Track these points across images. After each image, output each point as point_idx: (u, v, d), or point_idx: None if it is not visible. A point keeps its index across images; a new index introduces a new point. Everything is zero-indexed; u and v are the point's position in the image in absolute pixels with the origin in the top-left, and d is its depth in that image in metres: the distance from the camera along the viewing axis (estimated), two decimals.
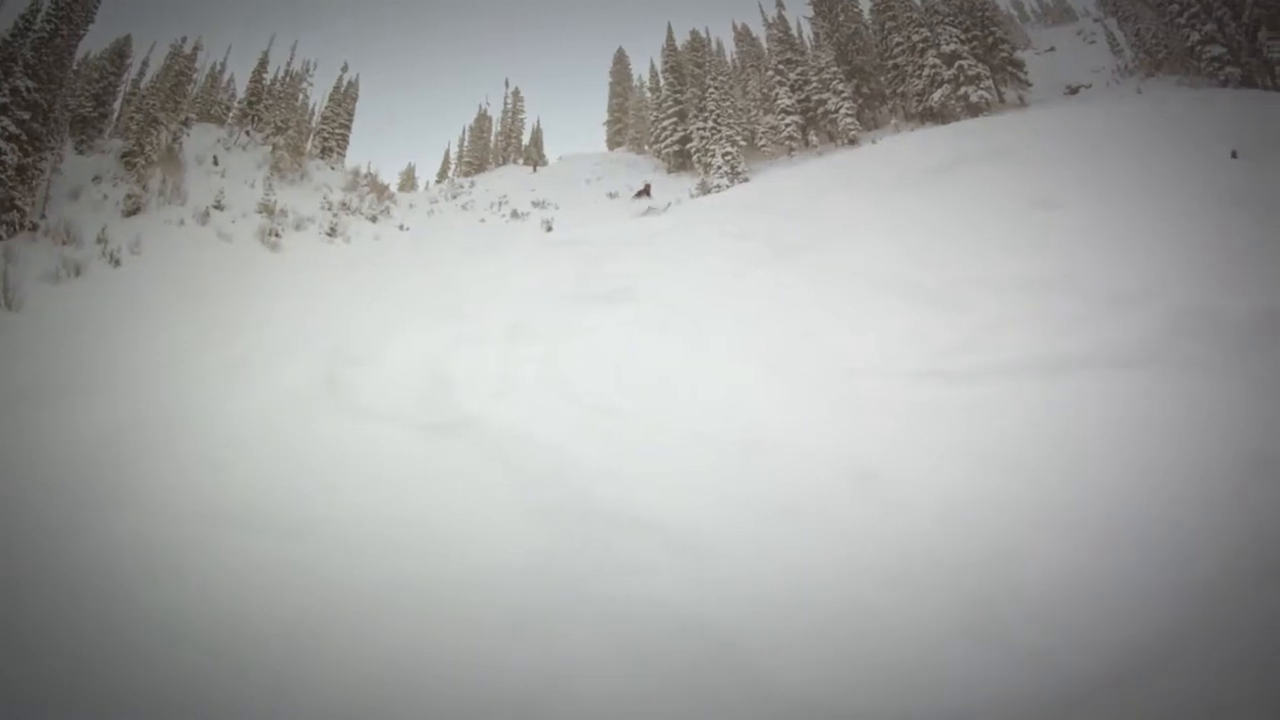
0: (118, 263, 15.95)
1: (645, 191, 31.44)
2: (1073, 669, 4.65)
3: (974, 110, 31.71)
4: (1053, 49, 47.05)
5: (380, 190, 30.29)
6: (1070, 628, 4.97)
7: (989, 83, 33.00)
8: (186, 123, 27.13)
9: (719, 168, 33.33)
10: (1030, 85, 33.98)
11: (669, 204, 25.19)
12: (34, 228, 16.96)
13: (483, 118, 50.62)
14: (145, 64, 32.82)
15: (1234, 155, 13.96)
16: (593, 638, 5.55)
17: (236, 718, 4.91)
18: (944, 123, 30.74)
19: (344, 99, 38.35)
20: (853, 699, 4.78)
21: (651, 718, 4.88)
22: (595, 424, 9.19)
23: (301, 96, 36.65)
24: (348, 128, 37.99)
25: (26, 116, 18.38)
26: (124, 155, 22.45)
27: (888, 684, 4.85)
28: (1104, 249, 10.83)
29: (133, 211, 19.35)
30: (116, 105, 28.86)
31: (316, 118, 37.15)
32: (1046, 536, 5.84)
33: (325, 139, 36.19)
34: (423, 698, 5.07)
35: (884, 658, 5.07)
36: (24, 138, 18.07)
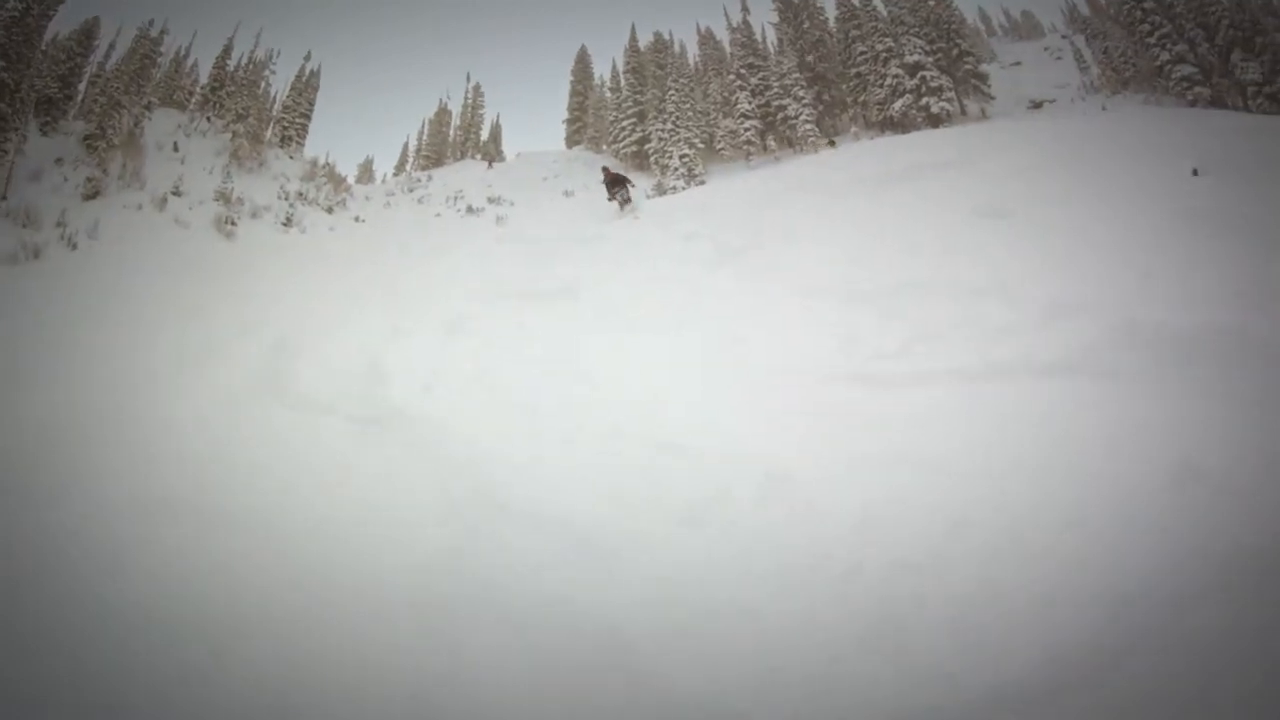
0: (75, 246, 16.31)
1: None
2: (976, 686, 4.58)
3: (935, 121, 32.43)
4: (1019, 63, 47.43)
5: (337, 181, 30.55)
6: (976, 643, 4.89)
7: (951, 94, 33.69)
8: (149, 107, 27.37)
9: (676, 169, 34.33)
10: (993, 98, 34.97)
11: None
12: None
13: (443, 112, 50.66)
14: (112, 46, 32.51)
15: (1195, 173, 14.05)
16: (494, 636, 5.68)
17: (137, 707, 5.06)
18: (904, 132, 31.14)
19: (305, 88, 38.28)
20: (738, 701, 4.85)
21: (533, 707, 5.06)
22: (518, 420, 9.38)
23: (264, 84, 36.66)
24: (308, 117, 37.90)
25: None
26: (86, 138, 22.71)
27: (778, 690, 4.89)
28: (1047, 259, 10.92)
29: (92, 195, 19.69)
30: (82, 87, 28.72)
31: (278, 106, 37.12)
32: (960, 546, 5.76)
33: (285, 128, 36.14)
34: (321, 695, 5.20)
35: (775, 663, 5.09)
36: None
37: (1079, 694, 4.31)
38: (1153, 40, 31.07)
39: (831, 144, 34.11)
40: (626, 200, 24.47)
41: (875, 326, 10.39)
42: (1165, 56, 30.29)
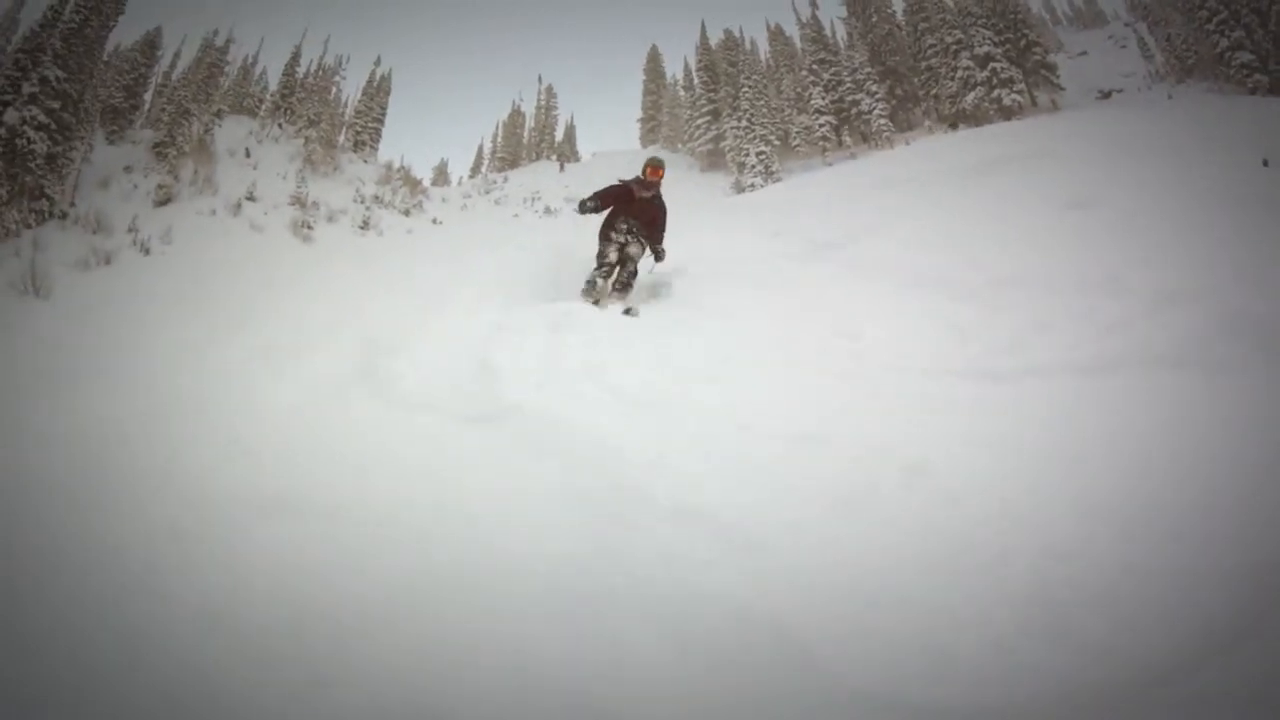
0: (148, 251, 15.72)
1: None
2: (1132, 662, 4.57)
3: (1007, 113, 31.94)
4: (1085, 53, 47.28)
5: (413, 184, 30.05)
6: (1127, 622, 4.90)
7: (1022, 86, 33.18)
8: (219, 114, 27.02)
9: (753, 167, 33.99)
10: (1063, 89, 34.17)
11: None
12: (64, 216, 16.77)
13: (516, 114, 50.69)
14: (177, 56, 33.08)
15: (1265, 163, 13.83)
16: (641, 625, 5.39)
17: (270, 710, 4.72)
18: (977, 125, 31.00)
19: (377, 93, 38.22)
20: (914, 691, 4.69)
21: (703, 705, 4.72)
22: (636, 417, 8.93)
23: (334, 90, 36.70)
24: (380, 121, 37.86)
25: (56, 106, 18.24)
26: (155, 146, 22.31)
27: (949, 677, 4.78)
28: (1142, 250, 10.60)
29: (164, 202, 19.19)
30: (148, 96, 29.03)
31: (349, 111, 37.24)
32: (1102, 531, 5.76)
33: (358, 132, 36.11)
34: (466, 686, 4.87)
35: (942, 650, 4.99)
36: (53, 127, 17.90)
37: (1224, 659, 4.35)
38: (1211, 26, 30.46)
39: (887, 143, 33.63)
40: (626, 279, 13.92)
41: (982, 320, 10.25)
42: (1224, 43, 29.73)
